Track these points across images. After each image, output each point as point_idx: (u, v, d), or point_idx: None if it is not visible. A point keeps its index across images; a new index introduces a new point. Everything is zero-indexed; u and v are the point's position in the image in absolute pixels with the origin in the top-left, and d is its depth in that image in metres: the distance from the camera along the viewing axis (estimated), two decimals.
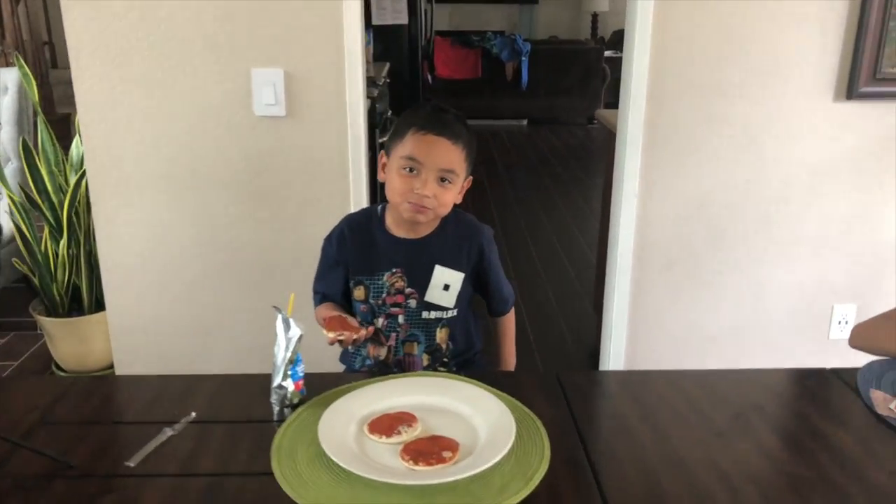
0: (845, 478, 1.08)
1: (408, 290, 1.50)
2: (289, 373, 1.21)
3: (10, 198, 2.60)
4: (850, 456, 1.14)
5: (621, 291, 2.46)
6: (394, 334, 1.52)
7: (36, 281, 2.67)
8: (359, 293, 1.52)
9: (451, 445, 1.09)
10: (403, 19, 5.29)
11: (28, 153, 2.54)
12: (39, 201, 2.59)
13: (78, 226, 2.62)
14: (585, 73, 7.72)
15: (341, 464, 1.03)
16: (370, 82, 3.74)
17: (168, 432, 1.14)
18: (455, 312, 1.53)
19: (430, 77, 7.55)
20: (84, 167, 2.30)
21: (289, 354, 1.20)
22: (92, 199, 2.27)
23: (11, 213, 2.61)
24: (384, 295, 1.51)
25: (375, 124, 3.63)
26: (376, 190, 2.60)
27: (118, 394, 1.33)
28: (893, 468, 1.10)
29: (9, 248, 2.91)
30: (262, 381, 1.24)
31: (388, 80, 4.49)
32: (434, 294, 1.50)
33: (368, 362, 1.55)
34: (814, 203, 2.40)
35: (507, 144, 7.27)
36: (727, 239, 2.42)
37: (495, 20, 8.81)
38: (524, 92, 7.78)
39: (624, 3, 2.30)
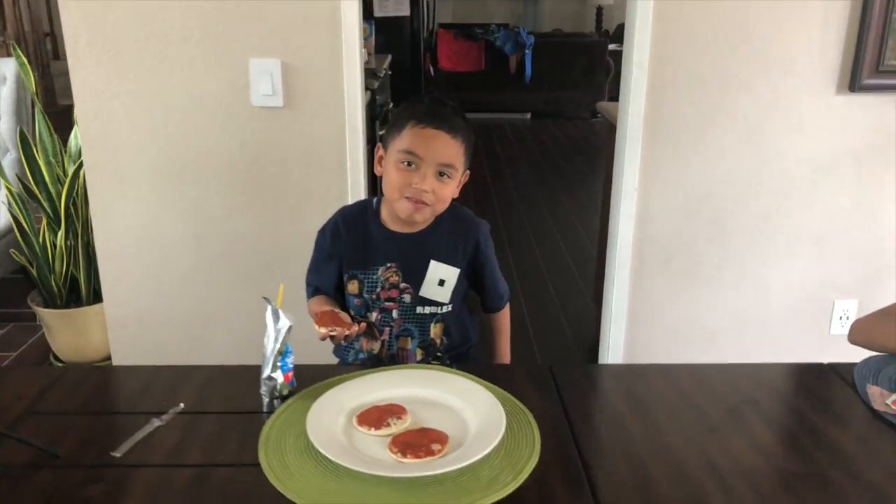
0: (840, 474, 1.07)
1: (402, 285, 1.48)
2: (278, 364, 1.20)
3: (8, 189, 2.59)
4: (846, 452, 1.13)
5: (621, 285, 2.45)
6: (387, 329, 1.51)
7: (34, 272, 2.67)
8: (352, 287, 1.51)
9: (441, 438, 1.08)
10: (405, 11, 5.28)
11: (25, 144, 2.53)
12: (37, 192, 2.59)
13: (76, 217, 2.62)
14: (590, 66, 7.69)
15: (328, 455, 1.02)
16: (371, 74, 3.74)
17: (156, 422, 1.13)
18: (450, 308, 1.51)
19: (431, 69, 7.53)
20: (82, 158, 2.30)
21: (278, 346, 1.19)
22: (89, 190, 2.27)
23: (9, 205, 2.60)
24: (378, 289, 1.49)
25: (376, 116, 3.62)
26: (375, 183, 2.59)
27: (107, 384, 1.32)
28: (889, 465, 1.09)
29: (7, 240, 2.91)
30: (253, 373, 1.23)
31: (389, 73, 4.48)
32: (429, 289, 1.48)
33: (361, 356, 1.54)
34: (815, 197, 2.38)
35: (510, 138, 7.24)
36: (727, 233, 2.41)
37: (499, 13, 8.78)
38: (528, 85, 7.75)
39: None
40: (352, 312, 1.50)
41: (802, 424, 1.23)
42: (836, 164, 2.35)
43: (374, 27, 4.51)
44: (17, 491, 0.99)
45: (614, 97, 2.37)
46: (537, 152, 6.74)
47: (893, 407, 1.18)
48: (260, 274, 2.31)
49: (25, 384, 1.26)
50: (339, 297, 1.54)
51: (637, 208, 2.36)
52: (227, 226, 2.29)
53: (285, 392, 1.21)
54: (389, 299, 1.49)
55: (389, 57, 4.66)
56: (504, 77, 7.77)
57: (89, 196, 2.27)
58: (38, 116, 2.58)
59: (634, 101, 2.26)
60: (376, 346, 1.52)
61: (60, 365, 2.76)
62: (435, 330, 1.52)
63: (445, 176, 1.41)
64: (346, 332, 1.34)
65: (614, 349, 2.52)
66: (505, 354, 1.67)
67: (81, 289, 2.71)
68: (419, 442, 1.06)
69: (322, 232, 1.55)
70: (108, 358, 2.56)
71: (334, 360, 1.59)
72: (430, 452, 1.05)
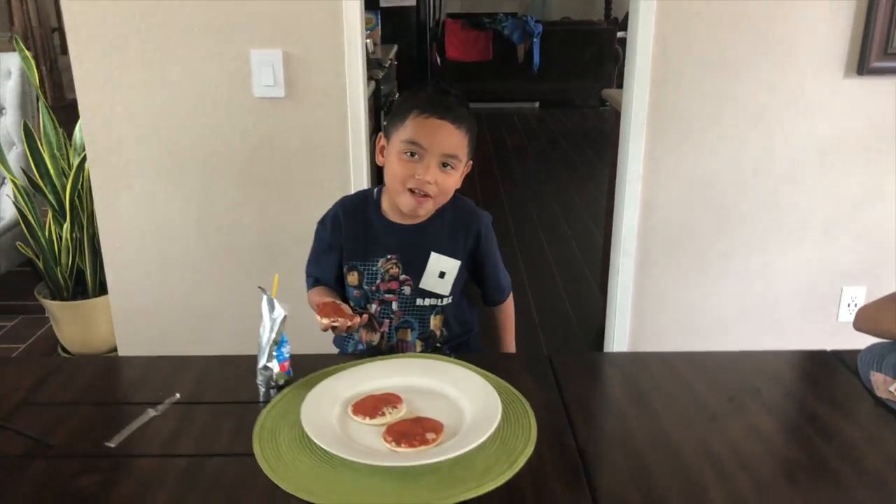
0: (840, 462, 1.05)
1: (402, 277, 1.46)
2: (274, 354, 1.19)
3: (14, 182, 2.60)
4: (848, 440, 1.11)
5: (625, 273, 2.43)
6: (387, 321, 1.49)
7: (40, 265, 2.68)
8: (352, 279, 1.49)
9: (436, 427, 1.07)
10: (411, 1, 5.25)
11: (30, 137, 2.54)
12: (42, 185, 2.59)
13: (81, 209, 2.63)
14: (598, 54, 7.62)
15: (322, 444, 1.02)
16: (376, 64, 3.72)
17: (151, 413, 1.13)
18: (450, 300, 1.49)
19: (438, 59, 7.50)
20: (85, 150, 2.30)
21: (273, 335, 1.19)
22: (92, 183, 2.27)
23: (15, 198, 2.62)
24: (378, 281, 1.47)
25: (381, 106, 3.61)
26: (379, 173, 2.58)
27: (104, 375, 1.32)
28: (891, 453, 1.07)
29: (13, 233, 2.92)
30: (249, 363, 1.23)
31: (395, 62, 4.46)
32: (429, 281, 1.47)
33: (361, 347, 1.53)
34: (823, 183, 2.35)
35: (518, 127, 7.20)
36: (733, 220, 2.38)
37: (507, 2, 8.72)
38: (536, 74, 7.70)
39: None
40: (351, 304, 1.49)
41: (804, 412, 1.21)
42: (844, 150, 2.32)
43: (379, 17, 4.50)
44: (10, 481, 0.99)
45: (622, 86, 2.34)
46: (545, 142, 6.70)
47: None
48: (264, 264, 2.31)
49: (22, 375, 1.26)
50: (339, 288, 1.53)
51: (642, 195, 2.34)
52: (230, 217, 2.29)
53: (281, 382, 1.21)
54: (389, 291, 1.48)
55: (395, 47, 4.65)
56: (512, 66, 7.72)
57: (93, 188, 2.27)
58: (42, 110, 2.59)
59: (639, 86, 2.23)
60: (376, 338, 1.51)
61: (64, 356, 2.78)
62: (435, 322, 1.50)
63: (449, 167, 1.38)
64: (349, 323, 1.33)
65: (619, 338, 2.50)
66: (509, 349, 1.65)
67: (88, 281, 2.73)
68: (414, 431, 1.05)
69: (322, 222, 1.54)
70: (115, 349, 2.57)
71: (335, 351, 1.59)
72: (425, 441, 1.04)
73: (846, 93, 2.26)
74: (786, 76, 2.23)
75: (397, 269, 1.46)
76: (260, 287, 1.22)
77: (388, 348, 1.51)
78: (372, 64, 3.64)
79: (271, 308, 1.19)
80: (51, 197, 2.61)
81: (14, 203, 2.65)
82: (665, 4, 2.15)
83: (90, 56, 2.14)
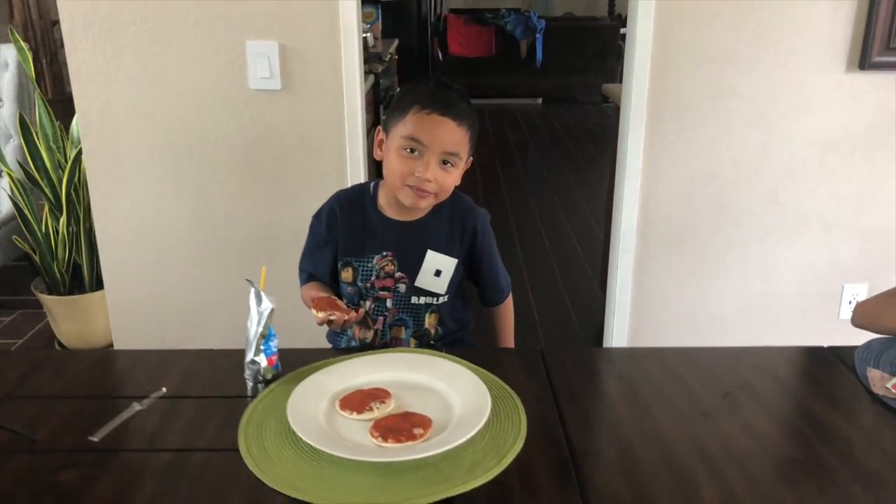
0: (836, 459, 1.03)
1: (398, 275, 1.44)
2: (261, 348, 1.18)
3: (10, 175, 2.59)
4: (843, 437, 1.09)
5: (624, 269, 2.41)
6: (381, 318, 1.47)
7: (37, 259, 2.67)
8: (346, 275, 1.46)
9: (423, 422, 1.05)
10: None
11: (25, 129, 2.53)
12: (38, 178, 2.58)
13: (77, 203, 2.61)
14: (601, 50, 7.59)
15: (307, 439, 1.00)
16: (376, 58, 3.70)
17: (136, 407, 1.12)
18: (445, 298, 1.47)
19: (439, 54, 7.47)
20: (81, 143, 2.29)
21: (261, 329, 1.17)
22: (88, 176, 2.26)
23: (11, 191, 2.60)
24: (373, 278, 1.45)
25: (380, 100, 3.59)
26: (377, 167, 2.56)
27: (91, 369, 1.31)
28: (888, 450, 1.05)
29: (9, 227, 2.91)
30: (238, 357, 1.21)
31: (395, 57, 4.44)
32: (425, 280, 1.44)
33: (354, 343, 1.51)
34: (824, 178, 2.32)
35: (520, 123, 7.17)
36: (734, 216, 2.36)
37: None
38: (538, 70, 7.67)
39: None
40: (345, 301, 1.47)
41: (799, 409, 1.19)
42: (846, 145, 2.29)
43: (380, 11, 4.47)
44: None
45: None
46: (548, 138, 6.67)
47: (894, 391, 1.14)
48: (259, 258, 2.30)
49: (7, 368, 1.25)
50: (333, 284, 1.50)
51: (641, 191, 2.32)
52: (226, 210, 2.27)
53: (269, 376, 1.19)
54: (384, 288, 1.45)
55: (396, 41, 4.63)
56: (515, 62, 7.69)
57: (89, 181, 2.26)
58: (38, 102, 2.58)
59: (638, 80, 2.21)
60: (369, 335, 1.48)
61: (58, 350, 2.77)
62: (430, 320, 1.48)
63: (449, 164, 1.35)
64: (345, 318, 1.31)
65: (619, 335, 2.48)
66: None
67: (84, 275, 2.72)
68: (401, 426, 1.04)
69: (317, 217, 1.51)
70: (112, 344, 2.56)
71: (325, 345, 1.57)
72: (412, 437, 1.02)
73: (848, 87, 2.23)
74: (786, 71, 2.21)
75: (393, 267, 1.44)
76: (247, 279, 1.20)
77: (382, 346, 1.48)
78: (372, 58, 3.62)
79: (259, 301, 1.18)
80: (47, 190, 2.60)
81: (10, 197, 2.64)
82: None
83: (86, 48, 2.13)
